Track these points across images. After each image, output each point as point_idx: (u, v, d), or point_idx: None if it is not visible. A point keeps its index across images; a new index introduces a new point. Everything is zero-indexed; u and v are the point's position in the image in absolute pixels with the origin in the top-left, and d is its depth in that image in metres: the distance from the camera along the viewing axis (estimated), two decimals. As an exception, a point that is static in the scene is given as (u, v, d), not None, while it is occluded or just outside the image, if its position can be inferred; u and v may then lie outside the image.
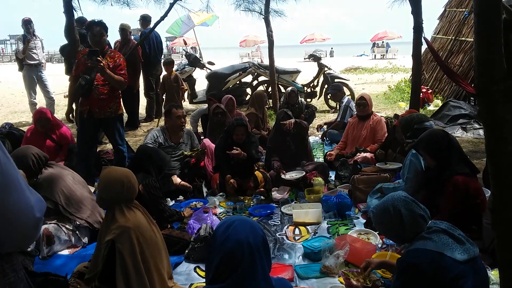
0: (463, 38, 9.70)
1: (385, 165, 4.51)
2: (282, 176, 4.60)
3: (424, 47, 6.58)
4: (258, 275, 1.46)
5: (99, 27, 4.39)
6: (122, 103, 4.90)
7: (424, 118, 3.96)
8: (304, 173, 4.60)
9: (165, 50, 17.42)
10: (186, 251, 3.24)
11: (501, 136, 1.08)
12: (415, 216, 2.08)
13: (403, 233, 2.09)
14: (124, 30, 7.95)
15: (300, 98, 7.44)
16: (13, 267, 1.29)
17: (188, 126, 5.11)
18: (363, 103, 5.41)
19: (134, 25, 9.71)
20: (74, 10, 5.52)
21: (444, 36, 10.77)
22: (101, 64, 4.22)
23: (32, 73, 8.53)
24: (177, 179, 4.58)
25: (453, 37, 10.16)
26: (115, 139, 4.78)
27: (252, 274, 1.45)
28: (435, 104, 9.04)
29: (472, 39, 8.97)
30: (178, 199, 4.50)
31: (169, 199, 4.37)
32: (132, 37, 8.29)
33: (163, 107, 8.09)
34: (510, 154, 1.08)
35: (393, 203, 2.13)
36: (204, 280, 2.87)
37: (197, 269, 3.09)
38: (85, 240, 3.46)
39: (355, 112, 6.04)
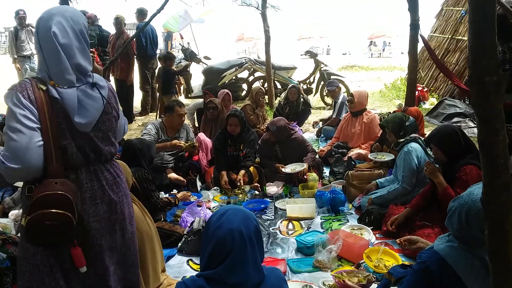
0: (460, 37, 9.73)
1: (377, 157, 4.45)
2: (282, 169, 4.53)
3: (420, 45, 6.58)
4: (249, 263, 1.46)
5: None
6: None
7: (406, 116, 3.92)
8: (305, 165, 4.49)
9: (161, 45, 17.24)
10: (179, 244, 3.24)
11: (492, 126, 1.08)
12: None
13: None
14: (118, 20, 7.87)
15: (305, 96, 7.40)
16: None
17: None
18: (350, 99, 5.47)
19: (130, 19, 9.63)
20: (69, 1, 5.45)
21: (440, 35, 10.79)
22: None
23: (24, 64, 8.60)
24: (171, 173, 4.56)
25: (449, 36, 10.19)
26: None
27: (243, 261, 1.46)
28: (431, 103, 9.07)
29: (468, 38, 8.99)
30: (172, 192, 4.48)
31: (163, 192, 4.36)
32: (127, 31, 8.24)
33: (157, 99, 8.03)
34: (500, 143, 1.09)
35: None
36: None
37: (190, 262, 3.09)
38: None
39: (350, 109, 6.05)
